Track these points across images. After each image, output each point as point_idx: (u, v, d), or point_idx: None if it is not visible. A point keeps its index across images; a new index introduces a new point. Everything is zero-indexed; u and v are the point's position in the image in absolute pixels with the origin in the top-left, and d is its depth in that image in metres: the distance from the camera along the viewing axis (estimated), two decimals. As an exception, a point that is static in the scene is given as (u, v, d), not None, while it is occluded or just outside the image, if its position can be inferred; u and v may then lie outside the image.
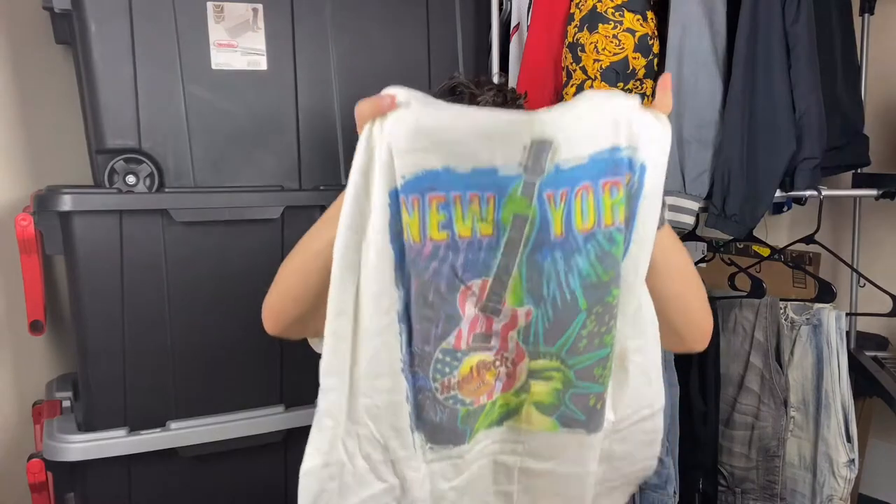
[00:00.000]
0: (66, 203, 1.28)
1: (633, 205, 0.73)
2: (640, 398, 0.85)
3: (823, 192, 1.48)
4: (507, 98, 1.08)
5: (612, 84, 1.46)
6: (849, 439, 1.50)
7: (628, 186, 0.72)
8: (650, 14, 1.47)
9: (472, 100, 1.05)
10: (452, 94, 1.08)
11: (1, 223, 1.66)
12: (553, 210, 0.70)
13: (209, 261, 1.40)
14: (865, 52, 1.75)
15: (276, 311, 0.95)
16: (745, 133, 1.43)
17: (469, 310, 0.74)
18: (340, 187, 1.57)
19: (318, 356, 1.27)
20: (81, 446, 1.34)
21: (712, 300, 1.62)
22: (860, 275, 1.71)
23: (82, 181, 1.55)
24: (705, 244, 1.84)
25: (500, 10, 1.64)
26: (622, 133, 0.70)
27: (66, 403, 1.52)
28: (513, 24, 1.68)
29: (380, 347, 0.75)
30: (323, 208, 1.46)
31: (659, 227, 0.79)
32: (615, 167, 0.71)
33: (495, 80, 1.63)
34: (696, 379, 1.61)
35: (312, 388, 1.30)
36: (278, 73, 1.43)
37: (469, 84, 1.07)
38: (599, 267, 0.73)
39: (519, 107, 1.12)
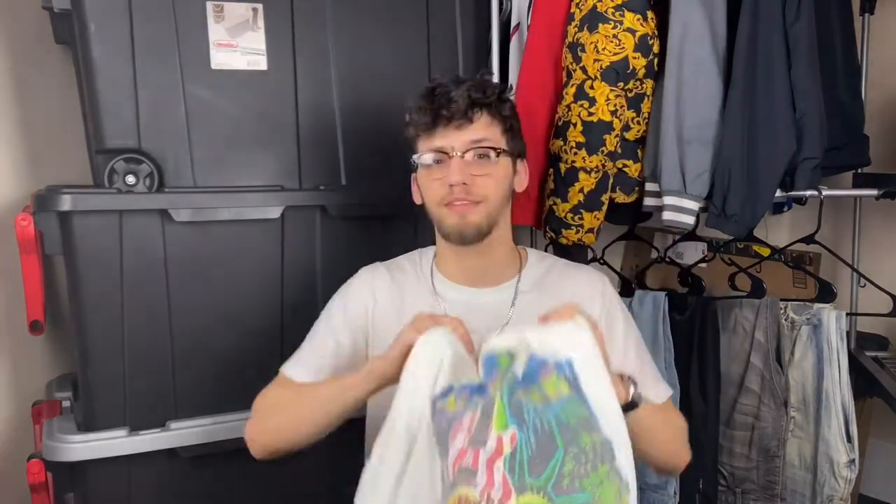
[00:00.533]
0: (66, 203, 1.28)
1: (580, 394, 0.82)
2: None
3: (824, 192, 1.48)
4: (485, 92, 1.08)
5: (613, 84, 1.46)
6: (849, 439, 1.50)
7: (566, 379, 0.82)
8: (650, 14, 1.47)
9: (447, 97, 1.06)
10: (432, 96, 1.07)
11: (1, 223, 1.66)
12: None
13: (209, 261, 1.40)
14: (865, 52, 1.75)
15: (265, 446, 1.09)
16: (745, 133, 1.43)
17: (458, 442, 0.80)
18: (340, 187, 1.58)
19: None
20: (81, 446, 1.33)
21: (713, 300, 1.63)
22: (860, 275, 1.71)
23: (82, 181, 1.55)
24: (705, 244, 1.84)
25: (500, 10, 1.64)
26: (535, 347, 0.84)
27: (66, 403, 1.51)
28: (513, 24, 1.68)
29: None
30: (323, 208, 1.47)
31: (634, 407, 0.91)
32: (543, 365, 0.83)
33: (495, 78, 1.63)
34: (696, 379, 1.61)
35: (312, 388, 1.30)
36: (278, 73, 1.43)
37: (447, 83, 1.08)
38: (563, 411, 0.79)
39: (503, 101, 1.11)
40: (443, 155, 1.07)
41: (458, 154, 1.06)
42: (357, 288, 1.20)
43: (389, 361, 0.93)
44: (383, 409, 1.12)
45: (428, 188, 1.10)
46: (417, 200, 1.17)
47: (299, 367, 1.16)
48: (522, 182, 1.17)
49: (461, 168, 1.05)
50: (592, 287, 1.18)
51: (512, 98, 1.15)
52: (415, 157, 1.11)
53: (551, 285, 1.17)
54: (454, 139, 1.06)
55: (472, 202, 1.07)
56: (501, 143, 1.10)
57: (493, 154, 1.08)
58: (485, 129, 1.08)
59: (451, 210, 1.08)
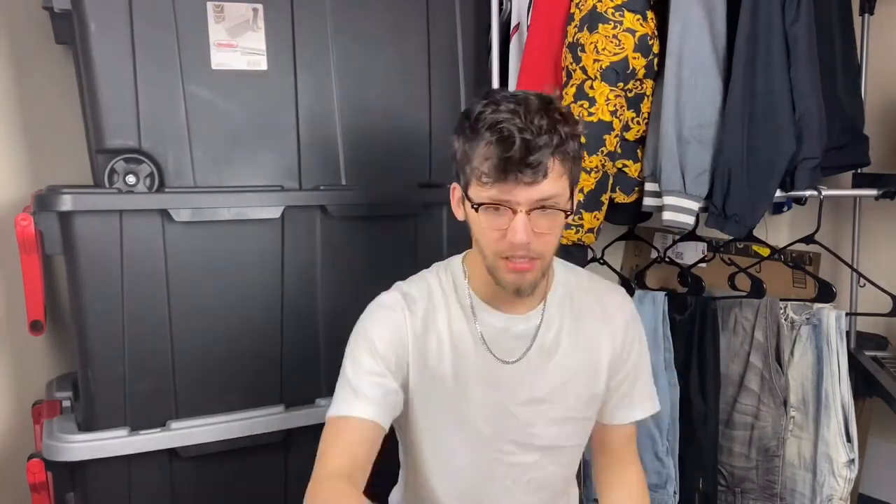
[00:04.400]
0: (67, 203, 1.28)
1: None
2: None
3: (823, 192, 1.48)
4: (562, 136, 0.94)
5: (612, 84, 1.46)
6: (849, 439, 1.50)
7: None
8: (650, 14, 1.47)
9: (524, 154, 0.92)
10: (506, 144, 0.92)
11: (1, 223, 1.66)
12: None
13: (209, 261, 1.40)
14: (865, 52, 1.75)
15: None
16: (745, 133, 1.43)
17: None
18: (340, 187, 1.58)
19: (317, 357, 1.27)
20: (81, 446, 1.33)
21: (712, 300, 1.63)
22: (860, 275, 1.71)
23: (82, 181, 1.55)
24: (705, 244, 1.84)
25: (500, 10, 1.64)
26: None
27: (66, 403, 1.52)
28: (513, 24, 1.68)
29: None
30: (323, 208, 1.47)
31: None
32: None
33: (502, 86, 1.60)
34: (696, 379, 1.61)
35: (312, 388, 1.31)
36: (278, 73, 1.43)
37: (524, 128, 0.92)
38: None
39: (575, 137, 0.97)
40: (506, 207, 0.96)
41: (524, 211, 0.95)
42: (395, 313, 1.09)
43: None
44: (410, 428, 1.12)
45: (485, 235, 1.00)
46: (460, 216, 1.07)
47: (362, 403, 1.02)
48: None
49: (526, 227, 0.95)
50: (621, 317, 1.16)
51: (582, 131, 1.01)
52: (472, 197, 0.99)
53: (577, 309, 1.14)
54: (523, 195, 0.94)
55: (531, 259, 0.99)
56: (567, 193, 0.99)
57: (559, 212, 0.98)
58: (555, 182, 0.95)
59: (510, 266, 1.00)
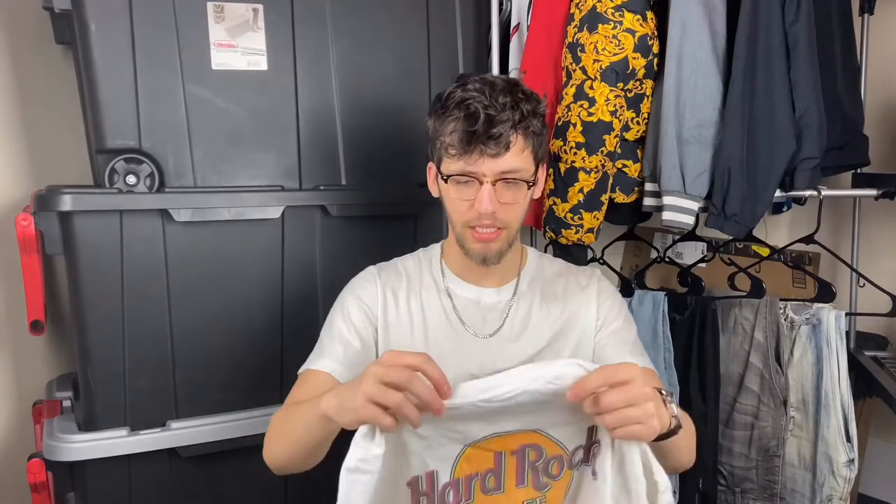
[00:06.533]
0: (67, 203, 1.28)
1: None
2: None
3: (823, 192, 1.48)
4: (524, 113, 1.02)
5: (612, 84, 1.46)
6: (848, 439, 1.51)
7: None
8: (650, 14, 1.47)
9: (488, 126, 1.00)
10: (470, 117, 1.01)
11: (1, 223, 1.66)
12: None
13: (209, 261, 1.40)
14: (865, 52, 1.75)
15: (268, 460, 1.07)
16: (744, 133, 1.43)
17: None
18: (340, 187, 1.58)
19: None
20: (81, 446, 1.33)
21: (712, 300, 1.63)
22: (860, 275, 1.71)
23: (82, 181, 1.55)
24: (705, 244, 1.84)
25: (500, 10, 1.64)
26: None
27: (67, 403, 1.51)
28: (513, 24, 1.68)
29: None
30: (323, 208, 1.47)
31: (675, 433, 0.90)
32: None
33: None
34: (696, 379, 1.61)
35: (312, 388, 1.31)
36: (278, 73, 1.43)
37: (486, 102, 1.00)
38: None
39: (537, 115, 1.05)
40: (473, 178, 1.04)
41: (490, 182, 1.03)
42: (369, 283, 1.17)
43: (342, 421, 0.92)
44: None
45: (454, 205, 1.08)
46: (435, 193, 1.15)
47: (325, 359, 1.12)
48: (540, 188, 1.14)
49: (491, 198, 1.03)
50: (595, 284, 1.20)
51: (544, 110, 1.08)
52: (443, 170, 1.07)
53: (547, 287, 1.19)
54: (487, 167, 1.02)
55: (497, 228, 1.06)
56: (531, 167, 1.06)
57: (523, 184, 1.06)
58: (518, 155, 1.03)
59: (476, 235, 1.07)
